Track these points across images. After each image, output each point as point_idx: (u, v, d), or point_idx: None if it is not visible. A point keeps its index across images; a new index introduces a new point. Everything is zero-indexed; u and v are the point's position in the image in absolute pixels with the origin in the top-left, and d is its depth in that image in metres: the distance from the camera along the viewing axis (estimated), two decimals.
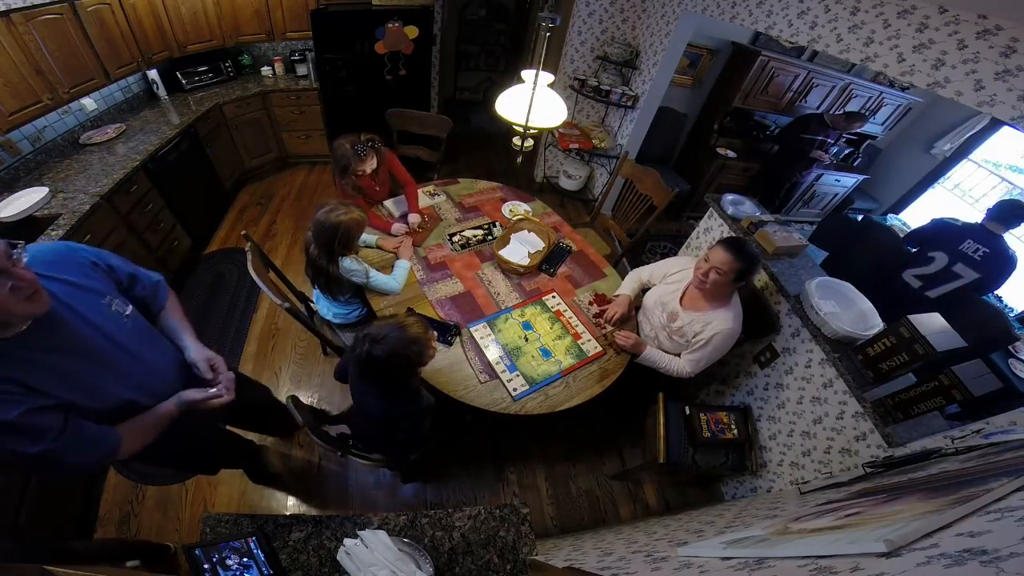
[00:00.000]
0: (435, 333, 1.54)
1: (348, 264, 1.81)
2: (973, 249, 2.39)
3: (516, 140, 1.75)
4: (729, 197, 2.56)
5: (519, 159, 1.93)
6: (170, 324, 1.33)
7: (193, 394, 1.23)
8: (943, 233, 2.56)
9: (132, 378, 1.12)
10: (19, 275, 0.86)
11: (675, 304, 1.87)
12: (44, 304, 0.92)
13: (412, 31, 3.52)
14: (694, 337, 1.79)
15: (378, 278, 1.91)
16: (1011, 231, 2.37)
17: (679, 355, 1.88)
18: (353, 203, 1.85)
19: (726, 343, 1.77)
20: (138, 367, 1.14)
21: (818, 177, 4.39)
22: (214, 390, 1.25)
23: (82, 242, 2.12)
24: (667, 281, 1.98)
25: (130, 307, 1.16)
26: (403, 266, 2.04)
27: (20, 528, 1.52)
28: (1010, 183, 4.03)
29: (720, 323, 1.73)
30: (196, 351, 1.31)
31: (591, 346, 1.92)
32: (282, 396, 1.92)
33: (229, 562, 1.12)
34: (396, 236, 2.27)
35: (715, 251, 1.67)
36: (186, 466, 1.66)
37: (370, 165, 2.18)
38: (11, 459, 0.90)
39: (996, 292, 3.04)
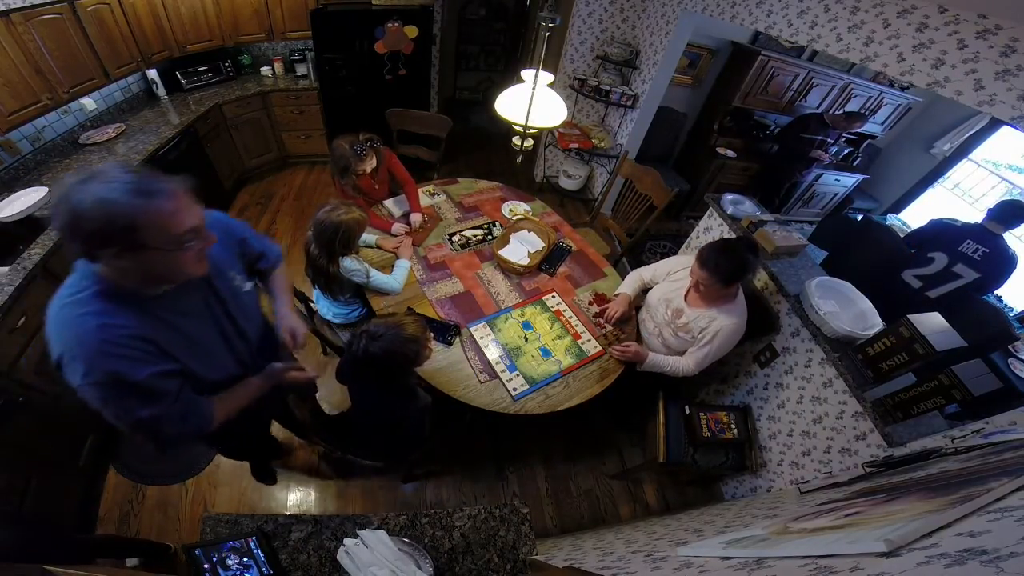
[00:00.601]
0: (432, 333, 1.55)
1: (348, 264, 1.81)
2: (973, 249, 2.39)
3: (516, 140, 1.75)
4: (729, 197, 2.56)
5: (519, 159, 1.93)
6: (274, 288, 1.37)
7: (281, 365, 1.23)
8: (943, 233, 2.56)
9: (239, 353, 1.14)
10: (207, 236, 0.89)
11: (680, 301, 1.87)
12: (205, 268, 0.93)
13: (412, 31, 3.52)
14: (699, 333, 1.79)
15: (378, 278, 1.91)
16: (1011, 231, 2.37)
17: (683, 353, 1.88)
18: (353, 203, 1.85)
19: (730, 339, 1.78)
20: (244, 344, 1.16)
21: (818, 177, 4.38)
22: (300, 366, 1.27)
23: None
24: (671, 279, 1.98)
25: (249, 284, 1.18)
26: (403, 266, 2.03)
27: (22, 524, 1.51)
28: (1010, 183, 4.03)
29: (725, 319, 1.74)
30: (286, 318, 1.35)
31: (591, 346, 1.92)
32: None
33: (229, 562, 1.12)
34: (396, 236, 2.27)
35: (694, 265, 1.69)
36: (228, 449, 1.70)
37: (369, 165, 2.18)
38: (120, 417, 0.89)
39: (996, 292, 3.04)
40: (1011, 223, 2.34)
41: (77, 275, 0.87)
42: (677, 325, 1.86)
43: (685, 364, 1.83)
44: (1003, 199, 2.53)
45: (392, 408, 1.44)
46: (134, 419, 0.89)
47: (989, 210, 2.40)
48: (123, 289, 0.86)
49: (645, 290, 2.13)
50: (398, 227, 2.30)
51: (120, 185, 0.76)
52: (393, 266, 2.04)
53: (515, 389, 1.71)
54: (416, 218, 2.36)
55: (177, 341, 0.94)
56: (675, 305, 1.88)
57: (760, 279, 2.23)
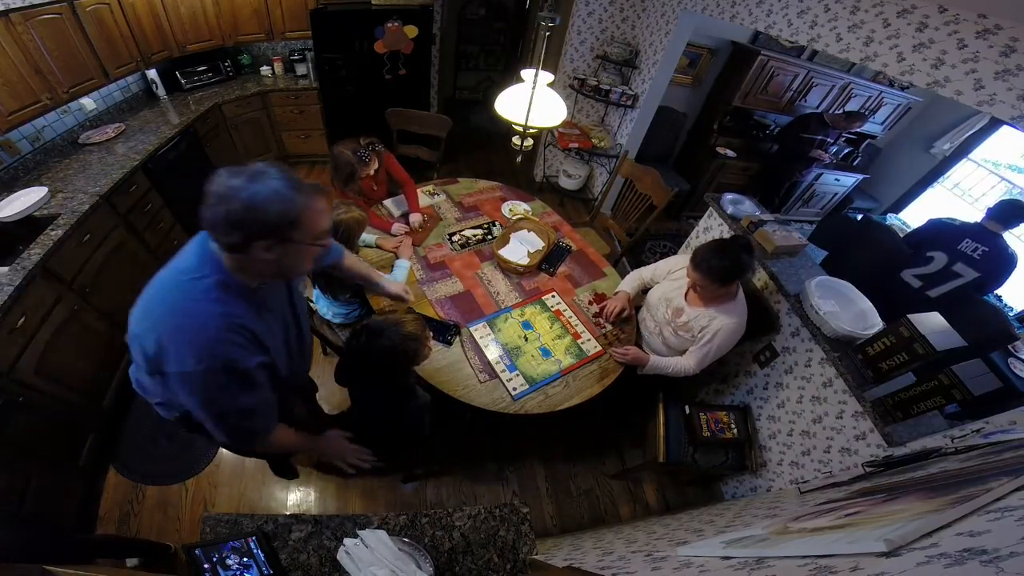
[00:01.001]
0: (431, 333, 1.55)
1: None
2: (972, 248, 2.39)
3: (516, 140, 1.75)
4: (729, 196, 2.56)
5: (519, 159, 1.93)
6: (357, 270, 1.54)
7: (345, 447, 1.33)
8: (942, 233, 2.56)
9: (293, 356, 1.16)
10: (328, 241, 0.94)
11: (680, 300, 1.87)
12: (310, 265, 0.97)
13: (412, 30, 3.52)
14: (699, 332, 1.79)
15: None
16: (1010, 231, 2.37)
17: (683, 352, 1.88)
18: (353, 203, 1.85)
19: (731, 338, 1.78)
20: (300, 348, 1.19)
21: (818, 176, 4.38)
22: (368, 454, 1.36)
23: (81, 242, 2.12)
24: (671, 278, 1.98)
25: (305, 293, 1.25)
26: (403, 265, 2.03)
27: (22, 524, 1.51)
28: (1010, 183, 4.03)
29: (725, 318, 1.74)
30: (392, 286, 1.68)
31: (591, 345, 1.92)
32: None
33: (229, 562, 1.12)
34: (396, 236, 2.27)
35: (688, 267, 1.70)
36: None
37: (373, 168, 2.19)
38: (217, 403, 0.90)
39: (996, 292, 3.04)
40: (1011, 223, 2.34)
41: (195, 257, 0.88)
42: (677, 324, 1.86)
43: (687, 364, 1.83)
44: (1003, 199, 2.53)
45: (391, 407, 1.44)
46: (235, 407, 0.91)
47: (989, 209, 2.40)
48: (237, 280, 0.88)
49: (645, 290, 2.13)
50: (398, 227, 2.30)
51: (286, 182, 0.79)
52: (393, 266, 2.04)
53: (515, 389, 1.71)
54: (416, 218, 2.35)
55: (267, 333, 0.97)
56: (675, 304, 1.88)
57: (760, 279, 2.23)
